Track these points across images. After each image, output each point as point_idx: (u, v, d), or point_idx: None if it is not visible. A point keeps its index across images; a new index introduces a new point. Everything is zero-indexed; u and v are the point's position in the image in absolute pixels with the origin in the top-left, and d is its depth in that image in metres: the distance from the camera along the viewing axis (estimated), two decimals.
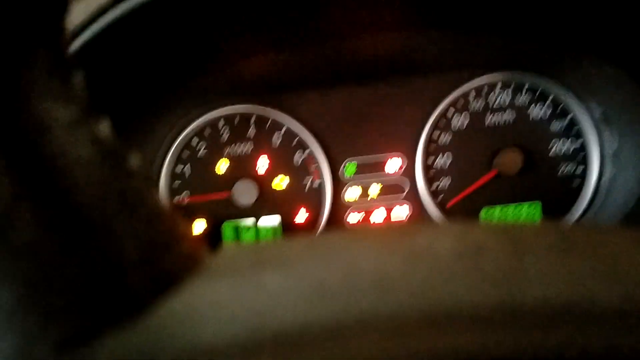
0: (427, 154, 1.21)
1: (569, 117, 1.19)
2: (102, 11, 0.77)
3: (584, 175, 1.20)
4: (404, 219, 1.23)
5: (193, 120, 1.21)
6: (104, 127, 0.28)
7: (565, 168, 1.20)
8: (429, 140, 1.21)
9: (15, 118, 0.24)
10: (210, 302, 0.24)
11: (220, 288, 0.25)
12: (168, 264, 0.26)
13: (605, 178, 1.18)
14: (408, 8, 1.02)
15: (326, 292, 0.22)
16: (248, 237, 1.23)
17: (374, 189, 1.24)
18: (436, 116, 1.19)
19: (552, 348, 0.19)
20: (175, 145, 1.21)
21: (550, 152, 1.20)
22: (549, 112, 1.19)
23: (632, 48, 0.96)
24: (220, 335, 0.20)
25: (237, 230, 1.23)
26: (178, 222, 0.28)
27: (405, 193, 1.23)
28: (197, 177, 1.22)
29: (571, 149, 1.20)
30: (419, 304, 0.20)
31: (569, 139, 1.20)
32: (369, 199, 1.24)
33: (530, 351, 0.19)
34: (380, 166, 1.22)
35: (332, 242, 0.32)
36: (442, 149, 1.21)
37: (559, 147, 1.20)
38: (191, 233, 0.31)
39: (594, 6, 0.89)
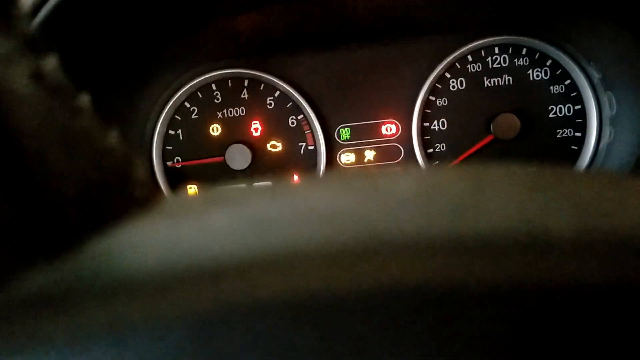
0: (422, 118, 1.19)
1: (567, 81, 1.17)
2: None
3: (582, 140, 1.18)
4: None
5: (186, 83, 1.19)
6: (50, 62, 0.27)
7: (563, 132, 1.18)
8: (425, 105, 1.19)
9: None
10: (142, 238, 0.23)
11: (158, 225, 0.24)
12: (110, 205, 0.26)
13: (603, 142, 1.16)
14: None
15: (267, 226, 0.21)
16: None
17: (369, 154, 1.22)
18: (432, 80, 1.17)
19: (502, 278, 0.18)
20: (167, 109, 1.19)
21: (548, 117, 1.18)
22: (547, 76, 1.17)
23: (633, 6, 0.93)
24: (142, 268, 0.19)
25: None
26: (131, 165, 0.27)
27: (400, 158, 1.21)
28: (190, 141, 1.21)
29: (569, 114, 1.18)
30: (362, 234, 0.19)
31: (567, 103, 1.18)
32: (364, 163, 1.22)
33: (476, 281, 0.18)
34: (375, 130, 1.21)
35: (294, 186, 0.31)
36: (439, 114, 1.20)
37: (557, 111, 1.18)
38: (146, 178, 0.30)
39: None
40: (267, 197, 0.27)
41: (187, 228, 0.23)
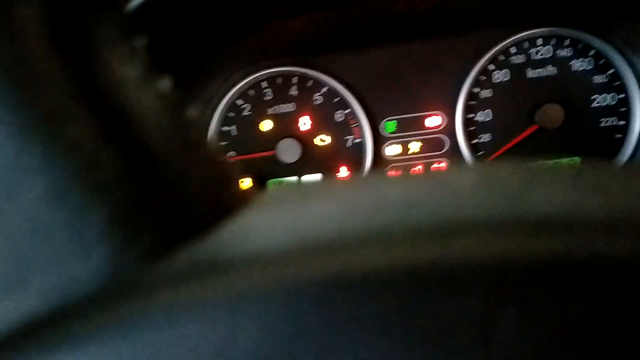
0: (467, 110, 1.23)
1: (611, 71, 1.19)
2: None
3: (625, 130, 1.20)
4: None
5: (238, 82, 1.25)
6: (165, 83, 0.32)
7: (607, 121, 1.20)
8: (469, 97, 1.22)
9: (93, 76, 0.28)
10: (262, 223, 0.28)
11: (270, 213, 0.30)
12: (226, 198, 0.31)
13: None
14: None
15: (359, 211, 0.26)
16: None
17: (414, 146, 1.26)
18: (476, 72, 1.20)
19: (549, 255, 0.22)
20: (221, 107, 1.26)
21: (592, 106, 1.20)
22: (591, 66, 1.19)
23: None
24: (272, 246, 0.25)
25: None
26: (230, 167, 0.33)
27: (445, 149, 1.25)
28: (242, 136, 1.28)
29: (613, 104, 1.19)
30: (435, 218, 0.24)
31: (611, 93, 1.19)
32: (409, 155, 1.26)
33: (529, 258, 0.22)
34: (420, 123, 1.25)
35: (367, 181, 0.36)
36: (483, 105, 1.23)
37: (601, 101, 1.19)
38: (240, 178, 0.35)
39: None
40: (347, 189, 0.32)
41: (296, 214, 0.28)
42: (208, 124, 1.26)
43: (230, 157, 1.29)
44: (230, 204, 0.31)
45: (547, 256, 0.22)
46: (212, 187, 0.31)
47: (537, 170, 0.31)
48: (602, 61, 1.19)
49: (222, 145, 1.28)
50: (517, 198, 0.25)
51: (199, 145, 0.33)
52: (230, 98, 1.26)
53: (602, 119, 1.20)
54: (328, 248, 0.23)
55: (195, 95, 1.22)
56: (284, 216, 0.28)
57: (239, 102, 1.27)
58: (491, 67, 1.21)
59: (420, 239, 0.23)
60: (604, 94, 1.19)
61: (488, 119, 1.23)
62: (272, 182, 1.28)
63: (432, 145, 1.26)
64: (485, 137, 1.24)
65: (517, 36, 1.18)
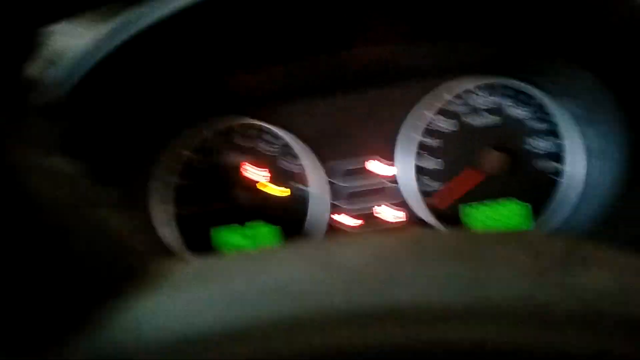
0: (417, 159, 1.25)
1: (548, 117, 1.25)
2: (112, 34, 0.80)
3: (564, 174, 1.25)
4: (397, 222, 1.27)
5: (188, 135, 1.23)
6: (65, 164, 0.31)
7: (548, 167, 1.25)
8: (416, 144, 1.25)
9: None
10: (149, 309, 0.28)
11: (158, 298, 0.30)
12: (115, 276, 0.30)
13: (585, 176, 1.23)
14: (397, 21, 1.06)
15: (237, 299, 0.27)
16: (245, 245, 1.26)
17: (365, 194, 1.27)
18: (423, 122, 1.23)
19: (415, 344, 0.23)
20: (170, 160, 1.23)
21: (532, 152, 1.25)
22: (530, 113, 1.24)
23: (601, 54, 1.01)
24: (157, 337, 0.25)
25: (234, 240, 1.26)
26: (131, 242, 0.33)
27: (397, 198, 1.27)
28: (194, 189, 1.25)
29: (552, 149, 1.25)
30: (309, 305, 0.25)
31: (550, 139, 1.25)
32: (360, 204, 1.27)
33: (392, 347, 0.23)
34: (371, 173, 1.26)
35: (259, 258, 0.36)
36: (431, 154, 1.26)
37: (540, 146, 1.25)
38: (142, 250, 0.35)
39: (566, 15, 0.93)
40: (239, 270, 0.33)
41: (178, 302, 0.29)
42: (156, 180, 1.23)
43: (182, 210, 1.25)
44: (118, 282, 0.31)
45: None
46: (103, 266, 0.30)
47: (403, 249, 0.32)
48: (539, 108, 1.25)
49: (173, 198, 1.25)
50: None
51: (95, 222, 0.32)
52: (180, 151, 1.24)
53: (543, 164, 1.26)
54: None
55: (141, 152, 1.19)
56: (170, 302, 0.28)
57: (189, 155, 1.25)
58: (438, 116, 1.25)
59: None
60: (543, 140, 1.25)
61: (433, 167, 1.26)
62: (223, 235, 1.26)
63: (382, 192, 1.27)
64: (433, 184, 1.27)
65: (459, 86, 1.23)
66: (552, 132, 1.25)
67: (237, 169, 1.25)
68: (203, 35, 0.95)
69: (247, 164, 1.25)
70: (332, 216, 1.28)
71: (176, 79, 1.09)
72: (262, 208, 1.26)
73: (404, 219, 1.27)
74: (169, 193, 1.25)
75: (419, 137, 1.25)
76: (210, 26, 0.92)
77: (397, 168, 1.26)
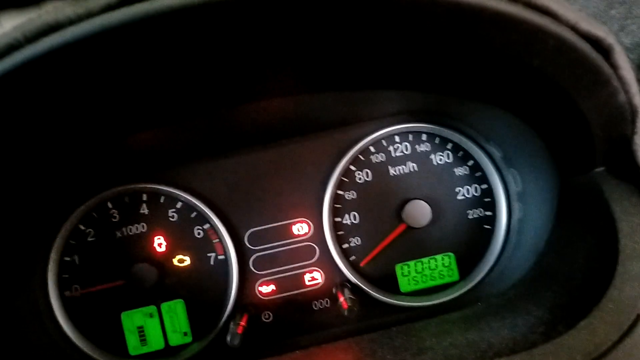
0: (333, 214, 1.16)
1: (470, 162, 1.17)
2: None
3: (493, 220, 1.18)
4: (318, 283, 1.16)
5: (78, 205, 1.11)
6: None
7: (474, 213, 1.18)
8: (334, 200, 1.16)
9: None
10: None
11: None
12: None
13: (514, 220, 1.16)
14: (296, 73, 0.98)
15: None
16: (151, 325, 1.13)
17: (283, 257, 1.17)
18: (338, 174, 1.15)
19: None
20: (59, 235, 1.10)
21: (457, 198, 1.17)
22: (450, 158, 1.17)
23: (522, 96, 0.94)
24: None
25: (138, 320, 1.13)
26: None
27: (316, 258, 1.17)
28: (88, 265, 1.12)
29: (477, 194, 1.17)
30: None
31: (474, 184, 1.17)
32: (278, 268, 1.16)
33: None
34: (286, 232, 1.16)
35: None
36: (348, 208, 1.17)
37: (465, 192, 1.17)
38: None
39: (485, 61, 0.87)
40: None
41: None
42: (46, 257, 1.10)
43: (75, 291, 1.12)
44: None
45: None
46: None
47: None
48: (460, 153, 1.17)
49: (65, 277, 1.12)
50: None
51: None
52: (70, 224, 1.11)
53: (469, 211, 1.18)
54: None
55: (25, 226, 1.06)
56: None
57: (82, 227, 1.12)
58: (352, 167, 1.16)
59: None
60: (467, 186, 1.17)
61: (356, 221, 1.17)
62: (126, 316, 1.12)
63: (301, 254, 1.17)
64: (355, 240, 1.17)
65: (374, 135, 1.15)
66: (476, 177, 1.18)
67: (143, 240, 1.13)
68: (91, 96, 0.84)
69: (153, 234, 1.13)
70: (246, 283, 1.16)
71: (70, 144, 0.98)
72: (172, 283, 1.14)
73: (321, 281, 1.17)
74: (67, 274, 1.12)
75: (335, 191, 1.15)
76: (96, 85, 0.81)
77: (311, 226, 1.16)
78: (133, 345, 1.13)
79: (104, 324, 1.13)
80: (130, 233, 1.13)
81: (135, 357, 1.13)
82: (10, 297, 1.05)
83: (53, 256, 1.11)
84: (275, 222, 1.16)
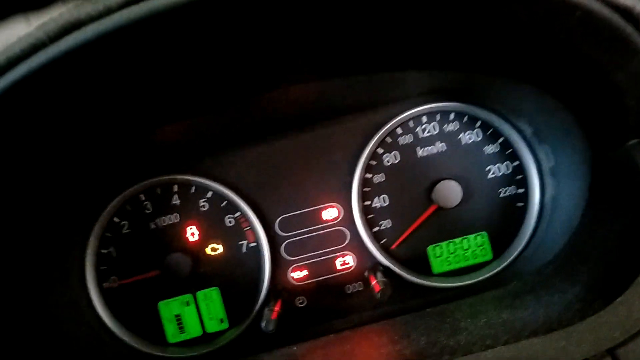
0: (362, 198, 1.16)
1: (500, 139, 1.15)
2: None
3: (525, 197, 1.16)
4: (349, 267, 1.17)
5: (112, 198, 1.13)
6: None
7: (506, 191, 1.16)
8: (362, 184, 1.15)
9: None
10: None
11: None
12: None
13: (547, 197, 1.14)
14: (320, 57, 0.97)
15: None
16: (188, 313, 1.15)
17: (313, 242, 1.17)
18: (366, 157, 1.14)
19: None
20: (95, 228, 1.13)
21: (488, 177, 1.15)
22: (479, 137, 1.15)
23: (552, 70, 0.92)
24: None
25: (175, 309, 1.15)
26: None
27: (346, 242, 1.17)
28: (125, 257, 1.15)
29: (508, 171, 1.15)
30: None
31: (505, 162, 1.16)
32: (309, 253, 1.17)
33: None
34: (316, 218, 1.16)
35: None
36: (378, 191, 1.16)
37: (496, 170, 1.15)
38: None
39: (512, 37, 0.85)
40: None
41: None
42: (83, 251, 1.13)
43: (113, 282, 1.15)
44: None
45: None
46: None
47: None
48: (490, 131, 1.15)
49: (102, 269, 1.14)
50: None
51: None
52: (105, 217, 1.14)
53: (501, 189, 1.16)
54: None
55: (63, 220, 1.09)
56: None
57: (116, 219, 1.15)
58: (380, 150, 1.15)
59: None
60: (498, 164, 1.15)
61: (385, 205, 1.16)
62: (164, 305, 1.15)
63: (332, 239, 1.17)
64: (386, 223, 1.16)
65: (401, 116, 1.14)
66: (506, 155, 1.16)
67: (176, 230, 1.15)
68: (117, 90, 0.85)
69: (185, 224, 1.15)
70: (278, 270, 1.17)
71: (100, 139, 1.00)
72: (206, 272, 1.16)
73: (353, 265, 1.17)
74: (104, 265, 1.15)
75: (364, 175, 1.15)
76: (122, 79, 0.82)
77: (341, 210, 1.16)
78: (171, 333, 1.15)
79: (142, 314, 1.15)
80: (164, 224, 1.15)
81: (174, 344, 1.15)
82: (50, 290, 1.08)
83: (90, 249, 1.14)
84: (304, 208, 1.16)
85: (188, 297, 1.15)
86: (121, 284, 1.15)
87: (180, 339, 1.16)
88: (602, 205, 1.02)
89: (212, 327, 1.16)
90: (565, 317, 0.82)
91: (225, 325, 1.16)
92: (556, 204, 1.12)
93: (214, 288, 1.15)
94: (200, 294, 1.15)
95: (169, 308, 1.15)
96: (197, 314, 1.16)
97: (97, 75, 0.73)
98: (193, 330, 1.16)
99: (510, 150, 1.16)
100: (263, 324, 1.04)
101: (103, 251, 1.15)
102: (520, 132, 1.14)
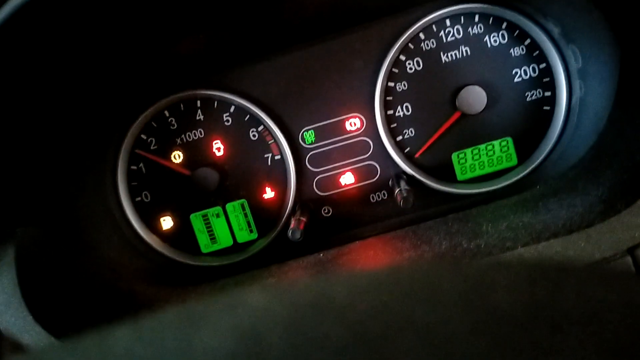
0: (385, 107, 1.15)
1: (527, 40, 1.12)
2: None
3: (553, 100, 1.13)
4: (374, 176, 1.18)
5: (138, 115, 1.15)
6: None
7: (533, 94, 1.13)
8: (385, 93, 1.14)
9: None
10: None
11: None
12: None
13: (574, 99, 1.11)
14: None
15: None
16: (219, 225, 1.19)
17: (338, 152, 1.18)
18: (387, 65, 1.12)
19: None
20: (124, 145, 1.16)
21: (514, 81, 1.13)
22: (505, 39, 1.12)
23: None
24: None
25: (206, 220, 1.19)
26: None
27: (370, 151, 1.17)
28: (154, 172, 1.18)
29: (535, 74, 1.12)
30: None
31: (532, 64, 1.12)
32: (333, 163, 1.18)
33: None
34: (339, 128, 1.17)
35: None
36: (401, 99, 1.15)
37: (522, 74, 1.12)
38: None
39: None
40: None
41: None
42: (114, 168, 1.16)
43: (145, 196, 1.19)
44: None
45: None
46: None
47: None
48: (516, 32, 1.11)
49: (134, 185, 1.18)
50: None
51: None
52: (132, 134, 1.16)
53: (527, 93, 1.13)
54: None
55: (91, 140, 1.12)
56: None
57: (143, 136, 1.17)
58: (402, 57, 1.13)
59: None
60: (524, 67, 1.12)
61: (408, 113, 1.15)
62: (195, 217, 1.19)
63: (356, 149, 1.18)
64: (409, 132, 1.16)
65: (423, 20, 1.10)
66: (533, 57, 1.12)
67: (202, 145, 1.17)
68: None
69: (210, 139, 1.17)
70: (303, 181, 1.19)
71: (121, 54, 1.01)
72: (233, 185, 1.19)
73: (377, 174, 1.18)
74: (136, 181, 1.19)
75: (386, 83, 1.13)
76: None
77: (364, 120, 1.15)
78: (204, 243, 1.20)
79: (175, 226, 1.20)
80: (189, 139, 1.17)
81: (207, 254, 1.21)
82: (86, 206, 1.13)
83: (121, 164, 1.17)
84: (327, 120, 1.16)
85: (217, 209, 1.19)
86: (153, 198, 1.18)
87: (213, 249, 1.21)
88: (630, 107, 0.99)
89: (243, 237, 1.20)
90: (587, 219, 0.83)
91: (254, 236, 1.20)
92: (583, 106, 1.10)
93: (242, 200, 1.18)
94: (229, 205, 1.18)
95: (200, 220, 1.19)
96: (227, 225, 1.20)
97: None
98: (224, 240, 1.20)
99: (537, 52, 1.12)
100: (290, 233, 1.08)
101: (133, 167, 1.18)
102: (547, 32, 1.10)
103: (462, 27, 1.12)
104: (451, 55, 1.12)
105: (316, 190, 1.19)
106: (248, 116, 1.16)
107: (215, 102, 1.16)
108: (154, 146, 1.17)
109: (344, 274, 0.31)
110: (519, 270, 0.30)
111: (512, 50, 1.12)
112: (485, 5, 1.10)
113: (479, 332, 0.23)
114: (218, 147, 1.17)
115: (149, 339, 0.28)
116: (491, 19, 1.11)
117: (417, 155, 1.17)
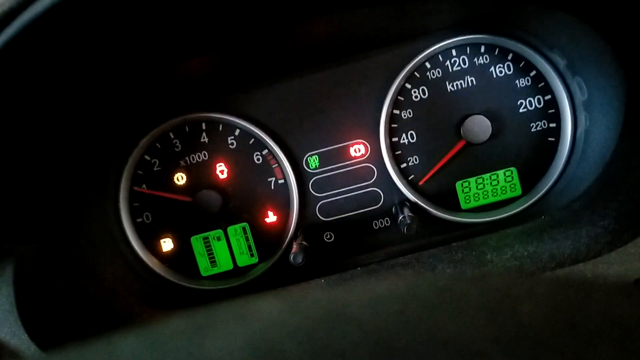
0: (390, 134, 1.15)
1: (532, 72, 1.12)
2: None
3: (558, 131, 1.13)
4: (378, 204, 1.17)
5: (142, 136, 1.15)
6: None
7: (537, 125, 1.13)
8: (390, 120, 1.14)
9: None
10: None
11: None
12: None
13: (579, 131, 1.11)
14: None
15: None
16: (220, 248, 1.18)
17: (342, 178, 1.18)
18: (393, 93, 1.12)
19: None
20: (127, 166, 1.15)
21: (519, 112, 1.13)
22: (511, 70, 1.12)
23: (600, 5, 0.88)
24: None
25: (207, 243, 1.18)
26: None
27: (374, 178, 1.17)
28: (161, 196, 1.17)
29: (540, 105, 1.13)
30: None
31: (537, 95, 1.13)
32: (337, 189, 1.18)
33: None
34: (344, 154, 1.16)
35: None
36: (405, 127, 1.15)
37: (527, 104, 1.13)
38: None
39: None
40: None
41: None
42: (116, 187, 1.16)
43: (146, 218, 1.18)
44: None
45: None
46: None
47: None
48: (522, 63, 1.12)
49: (136, 206, 1.18)
50: None
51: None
52: (136, 155, 1.16)
53: (532, 124, 1.14)
54: None
55: (95, 159, 1.11)
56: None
57: (147, 157, 1.17)
58: (408, 85, 1.13)
59: None
60: (529, 98, 1.13)
61: (413, 141, 1.15)
62: (195, 240, 1.18)
63: (360, 175, 1.17)
64: (414, 159, 1.16)
65: (430, 50, 1.11)
66: (539, 88, 1.13)
67: (206, 168, 1.16)
68: (145, 23, 0.85)
69: (214, 161, 1.16)
70: (306, 206, 1.18)
71: (131, 72, 1.01)
72: (236, 208, 1.18)
73: (381, 201, 1.17)
74: (138, 202, 1.18)
75: (391, 111, 1.14)
76: (148, 14, 0.82)
77: (369, 147, 1.15)
78: (204, 266, 1.19)
79: (176, 248, 1.19)
80: (193, 161, 1.17)
81: (207, 277, 1.19)
82: (87, 225, 1.12)
83: (123, 185, 1.16)
84: (332, 145, 1.16)
85: (219, 232, 1.18)
86: (154, 220, 1.18)
87: (213, 272, 1.19)
88: (636, 139, 0.99)
89: (243, 261, 1.19)
90: (594, 249, 0.82)
91: (255, 260, 1.19)
92: (589, 138, 1.10)
93: (243, 224, 1.18)
94: (230, 229, 1.18)
95: (201, 243, 1.18)
96: (227, 248, 1.18)
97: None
98: (224, 264, 1.19)
99: (542, 84, 1.12)
100: (292, 257, 1.07)
101: (135, 188, 1.17)
102: (553, 64, 1.10)
103: (468, 57, 1.12)
104: (457, 84, 1.13)
105: (319, 215, 1.18)
106: (253, 140, 1.16)
107: (221, 125, 1.16)
108: (157, 167, 1.17)
109: (362, 285, 0.31)
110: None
111: (517, 81, 1.13)
112: (492, 36, 1.11)
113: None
114: (222, 170, 1.17)
115: (157, 349, 0.27)
116: (497, 49, 1.12)
117: (421, 183, 1.16)
